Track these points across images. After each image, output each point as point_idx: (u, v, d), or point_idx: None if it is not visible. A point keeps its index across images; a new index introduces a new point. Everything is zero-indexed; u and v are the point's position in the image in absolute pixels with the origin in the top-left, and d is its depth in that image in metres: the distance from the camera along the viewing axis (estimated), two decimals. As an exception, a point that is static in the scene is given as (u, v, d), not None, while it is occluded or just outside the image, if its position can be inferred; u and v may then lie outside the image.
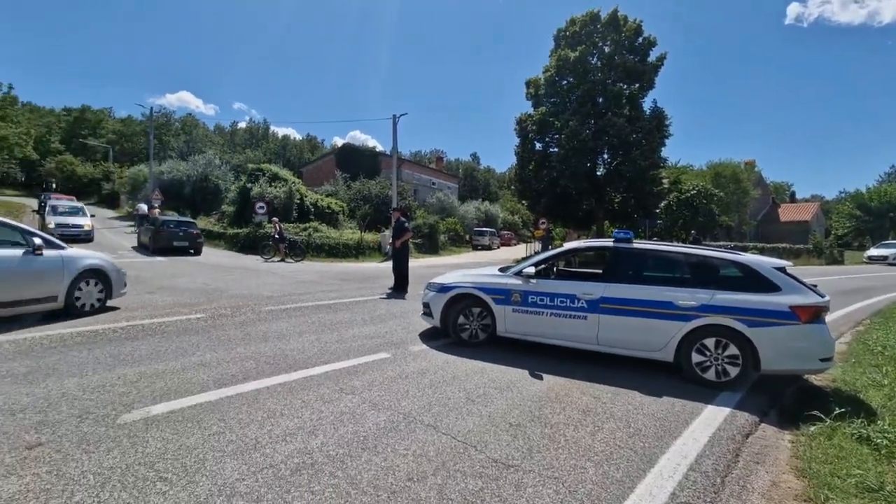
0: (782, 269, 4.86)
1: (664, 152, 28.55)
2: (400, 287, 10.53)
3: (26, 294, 6.17)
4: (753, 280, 4.82)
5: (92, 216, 22.64)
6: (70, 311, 6.64)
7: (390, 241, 11.03)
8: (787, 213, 50.60)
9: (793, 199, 72.04)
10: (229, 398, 3.88)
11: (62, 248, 6.77)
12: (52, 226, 18.31)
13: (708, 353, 4.77)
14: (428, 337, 6.37)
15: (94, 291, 6.99)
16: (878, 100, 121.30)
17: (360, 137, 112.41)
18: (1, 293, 5.88)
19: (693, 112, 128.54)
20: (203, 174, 32.94)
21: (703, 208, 27.90)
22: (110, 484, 2.56)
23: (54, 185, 54.73)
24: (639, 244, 5.58)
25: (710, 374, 4.76)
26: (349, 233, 25.40)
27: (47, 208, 19.81)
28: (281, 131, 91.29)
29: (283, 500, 2.50)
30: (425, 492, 2.65)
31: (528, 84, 30.11)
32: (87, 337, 5.58)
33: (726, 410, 4.16)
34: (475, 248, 37.27)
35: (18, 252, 6.15)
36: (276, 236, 18.77)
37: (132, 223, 26.80)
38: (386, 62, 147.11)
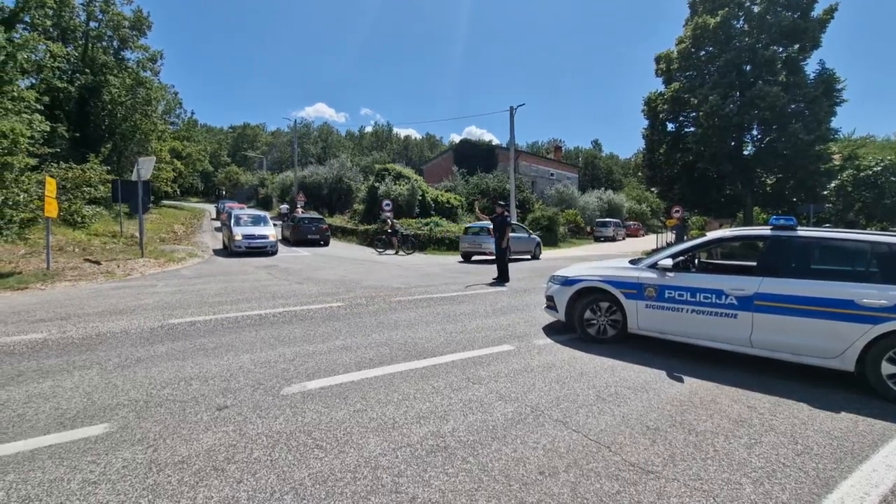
0: None
1: (835, 122, 23.79)
2: (502, 277, 11.19)
3: (524, 248, 18.34)
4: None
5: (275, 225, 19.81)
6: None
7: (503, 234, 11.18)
8: None
9: None
10: (368, 380, 4.24)
11: (532, 233, 19.78)
12: (238, 238, 16.36)
13: (906, 364, 3.89)
14: (552, 331, 6.23)
15: (538, 253, 19.39)
16: None
17: (475, 132, 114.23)
18: (523, 248, 18.10)
19: (878, 70, 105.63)
20: (337, 176, 36.46)
21: (892, 187, 22.73)
22: (279, 446, 2.98)
23: (224, 192, 65.40)
24: (804, 231, 4.76)
25: (910, 390, 3.88)
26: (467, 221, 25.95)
27: (232, 220, 17.63)
28: (403, 132, 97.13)
29: (420, 477, 2.66)
30: (557, 488, 2.60)
31: (657, 59, 27.52)
32: (255, 320, 6.55)
33: (935, 436, 3.36)
34: (597, 239, 35.51)
35: (527, 235, 19.02)
36: (390, 231, 20.10)
37: (277, 221, 30.88)
38: (500, 52, 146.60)
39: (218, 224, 28.69)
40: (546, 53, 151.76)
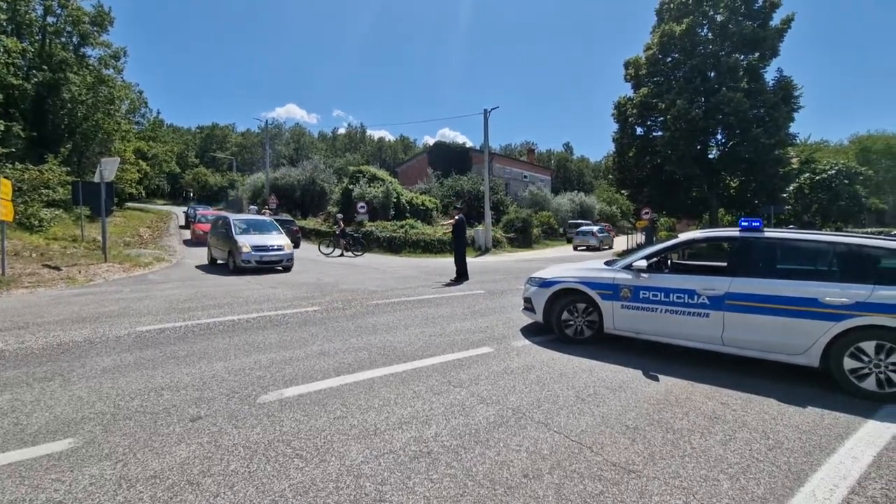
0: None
1: (793, 128, 24.98)
2: (461, 276, 11.82)
3: (607, 243, 29.50)
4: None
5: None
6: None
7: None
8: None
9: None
10: (348, 385, 4.16)
11: (609, 234, 30.69)
12: (246, 249, 12.65)
13: (866, 359, 4.08)
14: (530, 332, 6.28)
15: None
16: None
17: (449, 135, 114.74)
18: (606, 243, 29.46)
19: (832, 78, 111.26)
20: (310, 178, 35.86)
21: (845, 190, 24.02)
22: (257, 457, 2.89)
23: (192, 194, 63.42)
24: (771, 232, 4.95)
25: (870, 384, 4.07)
26: (443, 229, 25.96)
27: (233, 228, 13.50)
28: (376, 134, 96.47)
29: (405, 484, 2.62)
30: (542, 490, 2.61)
31: (626, 65, 28.26)
32: (227, 326, 6.36)
33: (894, 427, 3.53)
34: (570, 241, 36.03)
35: (606, 234, 29.82)
36: (338, 232, 19.99)
37: None
38: (471, 55, 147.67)
39: (188, 235, 23.89)
40: (518, 57, 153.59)
